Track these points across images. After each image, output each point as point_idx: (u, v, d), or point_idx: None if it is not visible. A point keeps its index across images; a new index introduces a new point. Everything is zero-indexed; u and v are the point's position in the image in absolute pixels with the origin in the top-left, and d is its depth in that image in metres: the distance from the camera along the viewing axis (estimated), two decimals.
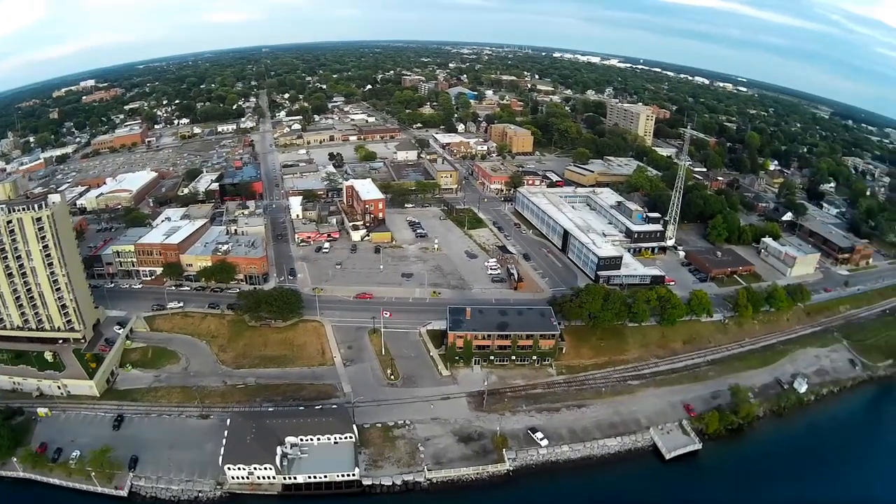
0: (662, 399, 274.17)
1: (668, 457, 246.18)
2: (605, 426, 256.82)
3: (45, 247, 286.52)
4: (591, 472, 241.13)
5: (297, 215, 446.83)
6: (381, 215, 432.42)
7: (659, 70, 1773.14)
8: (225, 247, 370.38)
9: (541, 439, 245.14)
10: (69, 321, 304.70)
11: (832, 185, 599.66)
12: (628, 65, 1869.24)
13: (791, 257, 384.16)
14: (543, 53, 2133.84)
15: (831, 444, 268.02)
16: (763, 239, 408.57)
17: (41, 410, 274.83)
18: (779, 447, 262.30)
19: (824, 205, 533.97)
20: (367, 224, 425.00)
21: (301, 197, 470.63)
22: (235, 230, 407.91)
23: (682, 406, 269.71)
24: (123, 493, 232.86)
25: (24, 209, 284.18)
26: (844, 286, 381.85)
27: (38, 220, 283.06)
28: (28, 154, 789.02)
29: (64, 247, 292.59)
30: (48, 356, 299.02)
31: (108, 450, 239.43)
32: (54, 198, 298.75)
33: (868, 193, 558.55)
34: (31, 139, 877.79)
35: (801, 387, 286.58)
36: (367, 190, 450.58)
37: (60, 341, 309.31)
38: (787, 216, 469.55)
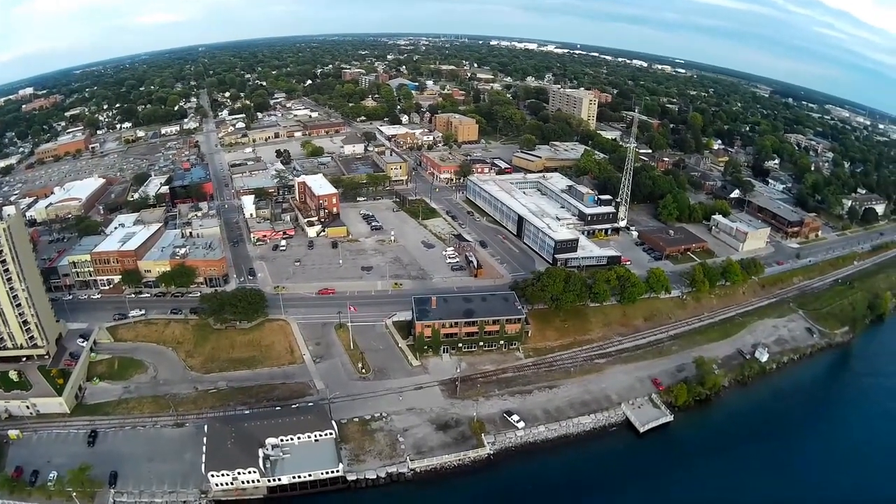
0: (630, 375, 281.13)
1: (641, 430, 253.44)
2: (578, 405, 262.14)
3: (3, 261, 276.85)
4: (569, 450, 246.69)
5: (251, 214, 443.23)
6: (335, 210, 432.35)
7: (597, 55, 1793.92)
8: (182, 250, 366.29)
9: (517, 422, 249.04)
10: (31, 337, 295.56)
11: (776, 161, 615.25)
12: (566, 50, 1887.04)
13: (742, 233, 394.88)
14: (480, 42, 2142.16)
15: (795, 408, 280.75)
16: (713, 216, 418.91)
17: (12, 433, 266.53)
18: (746, 415, 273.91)
19: (770, 181, 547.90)
20: (322, 220, 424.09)
21: (253, 196, 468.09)
22: (191, 233, 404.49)
23: (650, 381, 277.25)
24: None
25: None
26: (796, 258, 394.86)
27: None
28: None
29: (22, 260, 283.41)
30: (13, 375, 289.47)
31: (87, 468, 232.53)
32: (8, 210, 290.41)
33: (812, 168, 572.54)
34: None
35: (763, 356, 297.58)
36: (320, 185, 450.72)
37: (24, 359, 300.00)
38: (735, 193, 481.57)
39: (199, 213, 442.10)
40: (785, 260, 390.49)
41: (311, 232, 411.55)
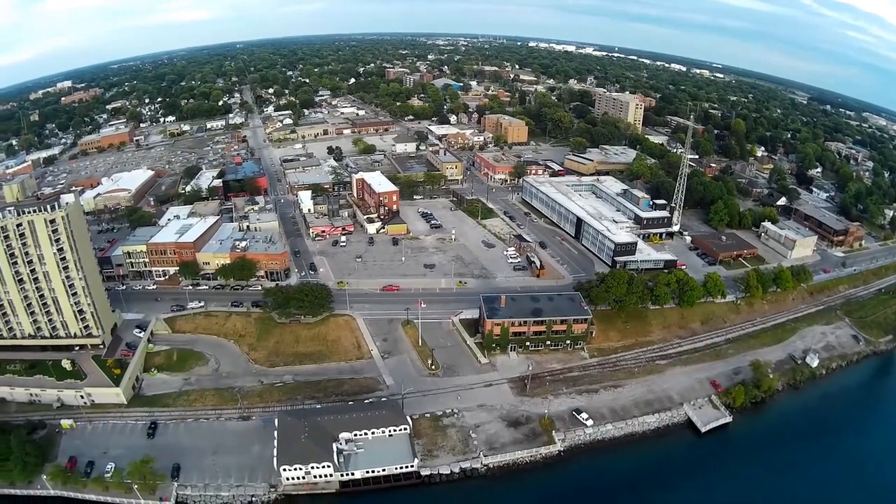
0: (690, 376, 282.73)
1: (703, 430, 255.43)
2: (642, 404, 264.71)
3: (60, 249, 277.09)
4: (635, 448, 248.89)
5: (309, 210, 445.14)
6: (395, 207, 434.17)
7: (635, 58, 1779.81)
8: (243, 243, 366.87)
9: (586, 419, 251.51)
10: (86, 327, 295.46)
11: (819, 170, 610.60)
12: (604, 53, 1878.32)
13: (791, 240, 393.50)
14: (519, 43, 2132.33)
15: (844, 413, 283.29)
16: (763, 223, 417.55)
17: (65, 422, 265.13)
18: (799, 417, 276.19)
19: (814, 189, 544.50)
20: (382, 217, 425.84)
21: (310, 191, 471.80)
22: (248, 226, 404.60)
23: (709, 382, 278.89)
24: (169, 503, 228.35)
25: (35, 211, 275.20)
26: (842, 267, 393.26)
27: (52, 221, 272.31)
28: (13, 157, 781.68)
29: (80, 248, 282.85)
30: (66, 364, 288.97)
31: (150, 460, 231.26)
32: (67, 198, 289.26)
33: (854, 177, 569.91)
34: (14, 142, 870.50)
35: (813, 362, 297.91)
36: (379, 182, 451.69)
37: (77, 348, 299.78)
38: (782, 201, 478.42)
39: (256, 208, 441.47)
40: (831, 268, 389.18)
41: (371, 229, 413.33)
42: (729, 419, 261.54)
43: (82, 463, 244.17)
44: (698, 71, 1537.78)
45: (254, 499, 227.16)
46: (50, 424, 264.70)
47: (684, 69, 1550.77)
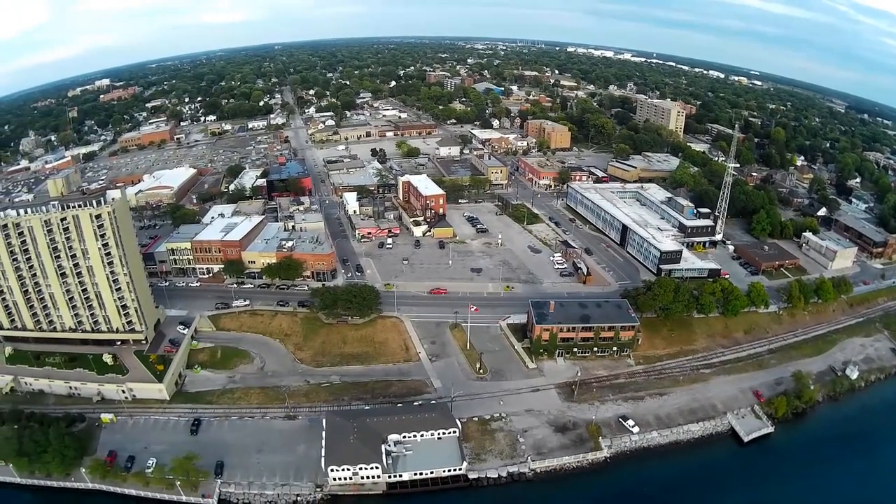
0: (733, 386, 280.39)
1: (745, 440, 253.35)
2: (687, 412, 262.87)
3: (105, 245, 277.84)
4: (679, 456, 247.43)
5: (355, 211, 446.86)
6: (441, 211, 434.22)
7: (673, 64, 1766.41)
8: (289, 243, 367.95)
9: (632, 426, 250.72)
10: (129, 322, 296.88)
11: (858, 180, 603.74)
12: (642, 59, 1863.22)
13: (832, 251, 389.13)
14: (557, 48, 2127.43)
15: (883, 426, 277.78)
16: (804, 233, 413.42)
17: (105, 416, 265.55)
18: (840, 429, 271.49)
19: (853, 200, 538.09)
20: (428, 220, 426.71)
21: (355, 193, 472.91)
22: (293, 226, 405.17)
23: (752, 392, 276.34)
24: (212, 500, 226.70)
25: (80, 206, 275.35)
26: (881, 279, 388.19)
27: (98, 216, 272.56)
28: (52, 152, 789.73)
29: (125, 244, 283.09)
30: (107, 359, 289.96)
31: (194, 457, 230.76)
32: (114, 193, 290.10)
33: (893, 188, 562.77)
34: (53, 137, 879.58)
35: (853, 374, 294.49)
36: (426, 185, 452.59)
37: (119, 343, 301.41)
38: (822, 211, 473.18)
39: (302, 208, 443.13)
40: (870, 280, 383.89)
41: (417, 231, 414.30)
42: (771, 429, 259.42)
43: (122, 457, 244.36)
44: (736, 78, 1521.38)
45: (299, 498, 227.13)
46: (89, 418, 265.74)
47: (722, 76, 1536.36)
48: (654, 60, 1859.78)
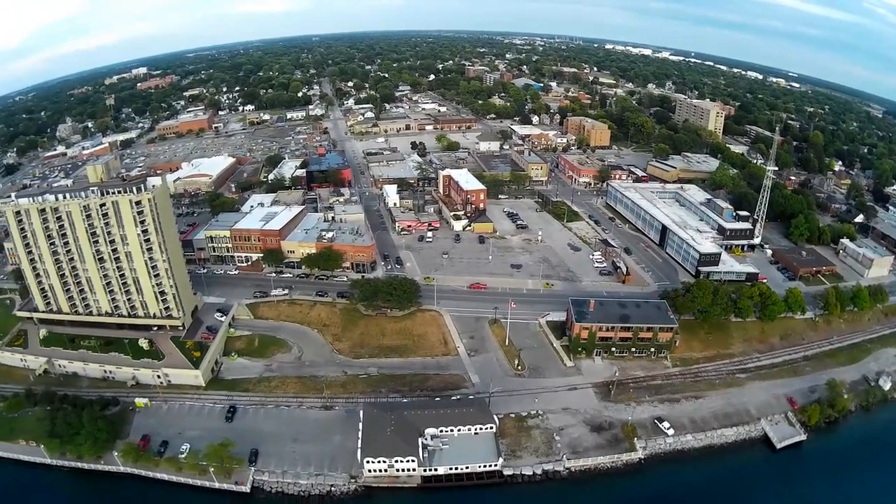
0: (768, 392, 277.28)
1: (778, 446, 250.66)
2: (721, 416, 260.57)
3: (145, 231, 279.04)
4: (712, 460, 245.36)
5: (395, 204, 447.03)
6: (481, 206, 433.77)
7: (711, 64, 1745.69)
8: (329, 234, 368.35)
9: (667, 428, 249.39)
10: (167, 308, 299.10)
11: (895, 187, 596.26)
12: (680, 58, 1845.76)
13: (868, 259, 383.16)
14: (596, 45, 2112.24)
15: None
16: (841, 240, 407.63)
17: (139, 401, 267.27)
18: (872, 440, 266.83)
19: (890, 207, 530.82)
20: (469, 214, 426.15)
21: (395, 186, 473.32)
22: (333, 217, 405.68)
23: (786, 399, 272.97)
24: (245, 488, 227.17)
25: (120, 192, 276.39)
26: None
27: (138, 203, 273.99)
28: (89, 139, 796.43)
29: (164, 231, 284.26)
30: (143, 344, 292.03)
31: (229, 444, 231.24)
32: (154, 181, 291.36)
33: None
34: (90, 124, 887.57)
35: (886, 384, 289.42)
36: (467, 180, 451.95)
37: (155, 328, 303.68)
38: (859, 218, 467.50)
39: (342, 199, 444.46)
40: None
41: (458, 226, 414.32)
42: (803, 437, 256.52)
43: (156, 442, 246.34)
44: (774, 79, 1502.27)
45: (333, 489, 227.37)
46: (123, 402, 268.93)
47: (761, 77, 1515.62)
48: (693, 59, 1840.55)
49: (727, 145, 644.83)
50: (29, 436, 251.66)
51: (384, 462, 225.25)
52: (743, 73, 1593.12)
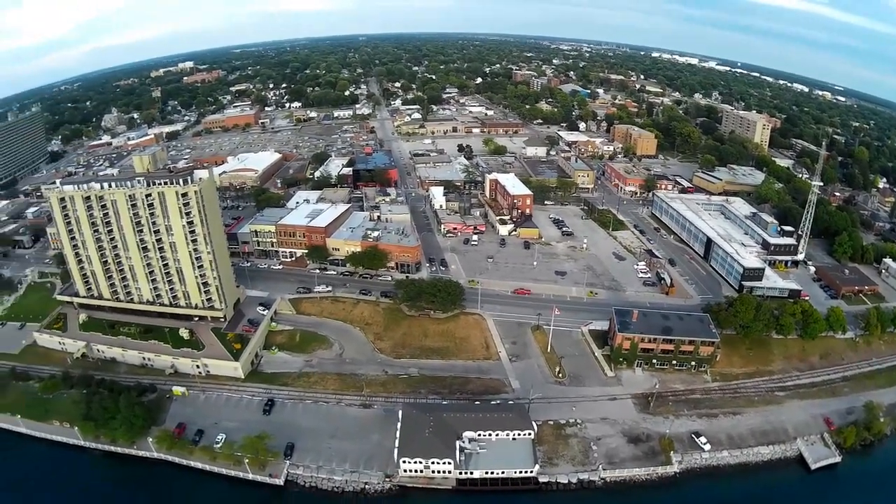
0: (805, 411, 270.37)
1: (812, 467, 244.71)
2: (758, 434, 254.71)
3: (190, 223, 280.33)
4: (746, 477, 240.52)
5: (441, 206, 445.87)
6: (528, 211, 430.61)
7: (757, 75, 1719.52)
8: (375, 233, 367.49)
9: (704, 443, 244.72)
10: (209, 299, 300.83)
11: None
12: (726, 68, 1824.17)
13: None
14: (643, 53, 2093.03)
15: None
16: (884, 259, 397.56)
17: (177, 389, 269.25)
18: None
19: None
20: (514, 219, 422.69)
21: (442, 187, 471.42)
22: (379, 217, 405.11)
23: (823, 419, 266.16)
24: (279, 481, 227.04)
25: (166, 183, 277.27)
26: None
27: (184, 195, 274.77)
28: (135, 129, 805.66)
29: (210, 223, 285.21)
30: (184, 333, 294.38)
31: (266, 436, 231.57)
32: (201, 173, 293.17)
33: None
34: (136, 115, 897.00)
35: None
36: (513, 185, 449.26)
37: (196, 318, 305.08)
38: None
39: (388, 199, 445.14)
40: None
41: (503, 230, 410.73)
42: (838, 459, 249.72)
43: (191, 430, 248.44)
44: (820, 92, 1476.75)
45: (367, 486, 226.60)
46: (161, 389, 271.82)
47: (806, 90, 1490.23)
48: (739, 70, 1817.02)
49: (773, 158, 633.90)
50: (63, 417, 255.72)
51: (420, 463, 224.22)
52: (788, 84, 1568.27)
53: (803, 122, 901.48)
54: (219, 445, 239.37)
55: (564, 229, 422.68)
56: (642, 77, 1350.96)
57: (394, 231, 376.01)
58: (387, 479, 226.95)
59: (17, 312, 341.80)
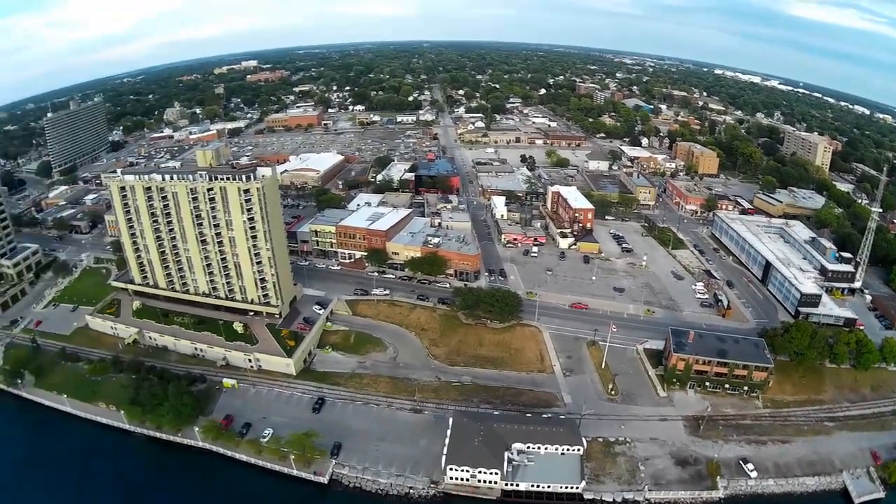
0: (853, 443, 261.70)
1: (856, 501, 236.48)
2: (805, 464, 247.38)
3: (251, 219, 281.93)
4: None
5: (502, 215, 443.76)
6: (589, 225, 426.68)
7: (819, 95, 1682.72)
8: (435, 240, 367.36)
9: (751, 470, 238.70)
10: (265, 295, 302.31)
11: None
12: (789, 87, 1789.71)
13: None
14: (705, 69, 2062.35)
15: None
16: None
17: (227, 381, 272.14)
18: None
19: None
20: (575, 233, 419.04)
21: (504, 197, 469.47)
22: (440, 223, 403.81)
23: (870, 452, 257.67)
24: (323, 479, 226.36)
25: (229, 179, 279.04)
26: None
27: (247, 191, 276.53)
28: (197, 124, 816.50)
29: (271, 221, 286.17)
30: (238, 327, 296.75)
31: (314, 434, 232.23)
32: (264, 171, 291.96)
33: None
34: (198, 110, 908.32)
35: None
36: (575, 198, 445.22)
37: (251, 313, 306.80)
38: None
39: (449, 206, 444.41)
40: None
41: (563, 243, 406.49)
42: (882, 494, 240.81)
43: (238, 423, 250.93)
44: (881, 115, 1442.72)
45: (412, 491, 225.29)
46: (211, 380, 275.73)
47: (868, 112, 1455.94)
48: (801, 90, 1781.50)
49: (833, 182, 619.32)
50: (110, 400, 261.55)
51: (467, 471, 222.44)
52: (850, 106, 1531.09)
53: (864, 145, 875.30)
54: (265, 440, 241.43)
55: (624, 245, 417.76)
56: (705, 94, 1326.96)
57: (454, 238, 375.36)
58: (432, 486, 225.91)
59: (70, 295, 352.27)
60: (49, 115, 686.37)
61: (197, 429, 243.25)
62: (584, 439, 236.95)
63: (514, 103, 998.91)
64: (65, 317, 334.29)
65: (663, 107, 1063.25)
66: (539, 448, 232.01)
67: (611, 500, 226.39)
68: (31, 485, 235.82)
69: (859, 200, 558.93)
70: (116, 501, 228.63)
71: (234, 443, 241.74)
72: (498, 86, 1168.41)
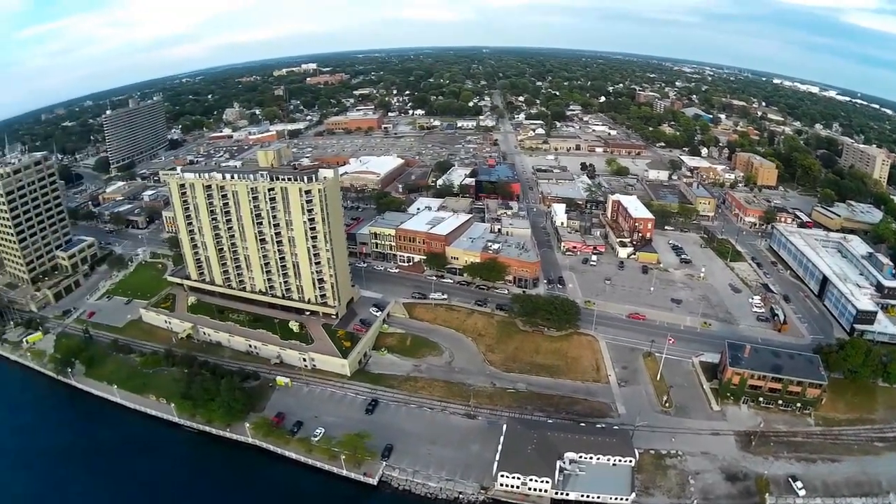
0: None
1: None
2: (853, 484, 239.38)
3: (312, 219, 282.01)
4: None
5: (562, 223, 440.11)
6: (648, 235, 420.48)
7: (877, 107, 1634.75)
8: (495, 245, 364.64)
9: (799, 488, 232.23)
10: (323, 295, 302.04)
11: None
12: (847, 98, 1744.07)
13: None
14: (764, 79, 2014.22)
15: None
16: None
17: (281, 379, 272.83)
18: None
19: None
20: (635, 242, 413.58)
21: (564, 205, 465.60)
22: (499, 230, 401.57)
23: None
24: (373, 480, 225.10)
25: (290, 179, 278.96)
26: None
27: (308, 192, 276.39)
28: (256, 125, 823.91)
29: (331, 222, 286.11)
30: (293, 326, 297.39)
31: (367, 435, 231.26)
32: (326, 172, 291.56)
33: None
34: (258, 111, 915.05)
35: None
36: (635, 207, 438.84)
37: (308, 313, 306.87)
38: None
39: (510, 212, 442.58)
40: None
41: (622, 252, 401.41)
42: None
43: (290, 421, 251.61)
44: None
45: (461, 496, 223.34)
46: (264, 377, 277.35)
47: None
48: (859, 101, 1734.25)
49: (891, 196, 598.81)
50: (161, 393, 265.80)
51: (518, 479, 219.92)
52: None
53: None
54: (316, 439, 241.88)
55: (683, 256, 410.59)
56: (763, 104, 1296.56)
57: (514, 245, 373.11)
58: (482, 491, 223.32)
59: (124, 288, 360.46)
60: (108, 112, 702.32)
61: (247, 425, 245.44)
62: (636, 451, 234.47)
63: (573, 110, 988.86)
64: (118, 309, 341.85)
65: (722, 116, 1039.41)
66: (591, 458, 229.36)
67: None
68: (79, 472, 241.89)
69: None
70: (163, 492, 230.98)
71: (284, 440, 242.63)
72: (558, 93, 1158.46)
